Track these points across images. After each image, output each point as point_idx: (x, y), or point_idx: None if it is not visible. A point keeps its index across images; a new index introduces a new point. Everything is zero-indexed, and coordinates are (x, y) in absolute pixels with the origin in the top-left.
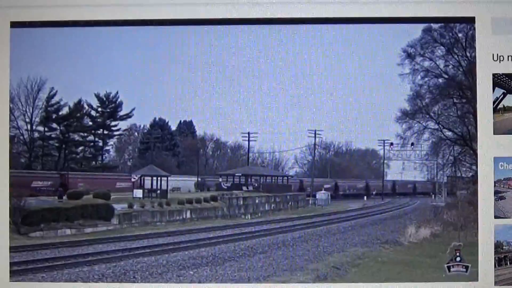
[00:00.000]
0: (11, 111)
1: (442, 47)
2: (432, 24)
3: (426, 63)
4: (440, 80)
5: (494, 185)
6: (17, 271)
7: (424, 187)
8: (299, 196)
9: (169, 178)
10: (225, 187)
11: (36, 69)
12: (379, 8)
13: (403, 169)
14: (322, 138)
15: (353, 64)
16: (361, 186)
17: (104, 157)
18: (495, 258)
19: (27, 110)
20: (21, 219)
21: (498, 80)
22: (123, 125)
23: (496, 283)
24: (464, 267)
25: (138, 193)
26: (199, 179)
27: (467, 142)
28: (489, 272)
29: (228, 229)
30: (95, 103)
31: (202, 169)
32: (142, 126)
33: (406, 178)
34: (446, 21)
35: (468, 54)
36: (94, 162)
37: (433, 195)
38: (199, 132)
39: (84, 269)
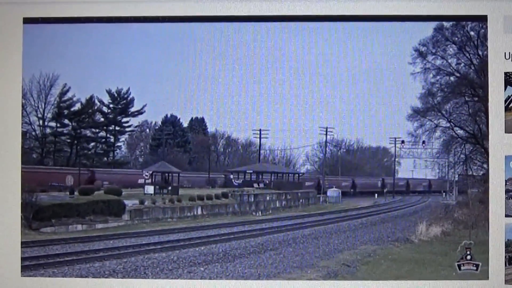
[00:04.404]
0: (23, 107)
1: (454, 46)
2: (444, 23)
3: (438, 62)
4: (452, 78)
5: (505, 184)
6: (28, 266)
7: (418, 185)
8: (310, 193)
9: None
10: (236, 184)
11: (48, 65)
12: (391, 6)
13: (414, 167)
14: (334, 136)
15: (365, 62)
16: (347, 184)
17: (115, 153)
18: (505, 256)
19: (39, 105)
20: (33, 214)
21: (510, 79)
22: (134, 121)
23: (506, 281)
24: (474, 265)
25: (150, 189)
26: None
27: (479, 140)
28: (500, 271)
29: (239, 225)
30: (106, 99)
31: (213, 166)
32: (153, 122)
33: (398, 175)
34: (458, 19)
35: (480, 53)
36: (105, 158)
37: (444, 193)
38: (211, 129)
39: (95, 264)
